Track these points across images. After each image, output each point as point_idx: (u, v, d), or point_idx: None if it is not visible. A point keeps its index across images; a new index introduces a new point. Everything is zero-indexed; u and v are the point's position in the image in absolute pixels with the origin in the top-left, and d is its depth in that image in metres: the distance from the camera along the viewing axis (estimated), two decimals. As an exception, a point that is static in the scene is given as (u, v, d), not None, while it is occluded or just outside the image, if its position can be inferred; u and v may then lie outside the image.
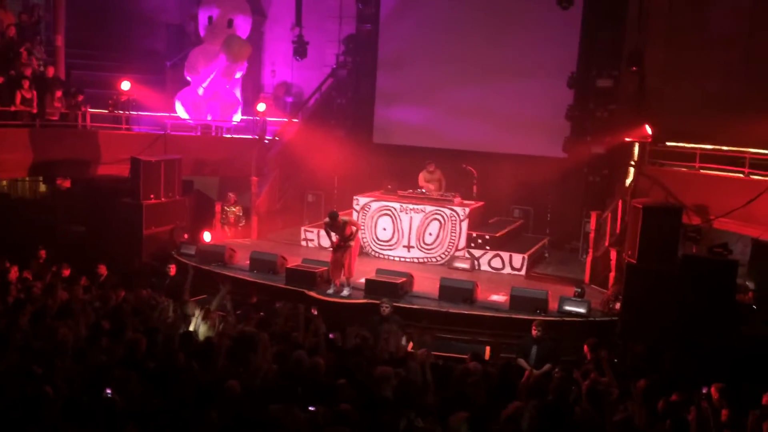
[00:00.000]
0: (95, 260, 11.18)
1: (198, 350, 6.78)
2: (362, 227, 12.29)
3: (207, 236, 13.21)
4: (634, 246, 9.73)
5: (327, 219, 10.97)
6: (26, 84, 13.59)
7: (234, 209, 14.18)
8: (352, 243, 10.85)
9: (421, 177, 13.94)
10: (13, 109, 13.41)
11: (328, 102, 17.11)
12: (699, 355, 8.68)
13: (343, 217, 11.08)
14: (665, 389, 7.04)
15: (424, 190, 13.70)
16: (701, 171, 11.98)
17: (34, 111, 13.70)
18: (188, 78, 17.07)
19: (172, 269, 11.20)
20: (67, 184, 15.07)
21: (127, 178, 13.58)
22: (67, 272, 10.49)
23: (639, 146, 12.85)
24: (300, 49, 15.80)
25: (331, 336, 7.98)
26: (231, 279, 11.40)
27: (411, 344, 8.64)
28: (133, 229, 12.76)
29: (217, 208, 14.21)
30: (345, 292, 10.77)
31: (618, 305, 10.00)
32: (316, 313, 9.44)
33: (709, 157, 11.91)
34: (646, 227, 9.49)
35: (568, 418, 5.68)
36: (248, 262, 11.97)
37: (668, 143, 12.85)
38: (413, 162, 14.71)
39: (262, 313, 8.99)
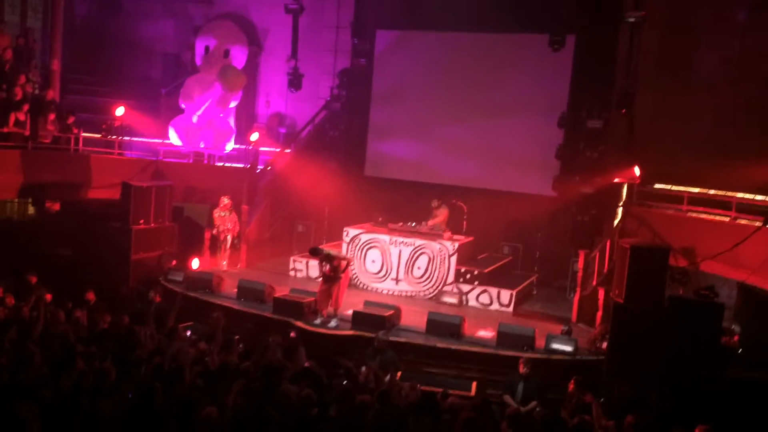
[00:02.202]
0: (82, 284, 11.08)
1: (169, 378, 6.66)
2: (353, 260, 12.22)
3: (195, 263, 13.15)
4: (621, 285, 9.78)
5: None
6: (25, 107, 13.64)
7: (227, 214, 13.79)
8: (342, 275, 10.84)
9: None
10: (5, 131, 13.41)
11: (321, 134, 17.24)
12: (684, 397, 8.66)
13: (330, 250, 11.08)
14: (651, 429, 7.02)
15: (413, 224, 13.73)
16: (689, 213, 12.09)
17: (27, 133, 13.70)
18: (183, 106, 17.17)
19: (157, 297, 11.07)
20: (56, 207, 15.02)
21: (117, 202, 13.54)
22: (48, 297, 10.33)
23: (627, 187, 12.98)
24: (295, 81, 15.96)
25: (306, 364, 7.94)
26: (218, 307, 11.35)
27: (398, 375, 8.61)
28: (121, 254, 12.68)
29: (206, 235, 14.16)
30: (332, 323, 10.72)
31: (605, 344, 10.00)
32: (294, 335, 9.43)
33: (696, 200, 12.04)
34: (634, 267, 9.56)
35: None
36: (236, 290, 11.90)
37: (656, 185, 12.99)
38: (404, 195, 14.80)
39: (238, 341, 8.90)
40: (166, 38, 19.37)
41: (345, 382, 7.35)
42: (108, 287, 11.67)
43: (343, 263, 10.90)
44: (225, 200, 13.85)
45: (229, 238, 13.84)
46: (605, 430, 6.79)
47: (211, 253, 14.00)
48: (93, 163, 14.68)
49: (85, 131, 14.97)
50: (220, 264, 13.66)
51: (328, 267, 10.81)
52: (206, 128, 17.01)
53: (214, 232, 13.88)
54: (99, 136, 15.30)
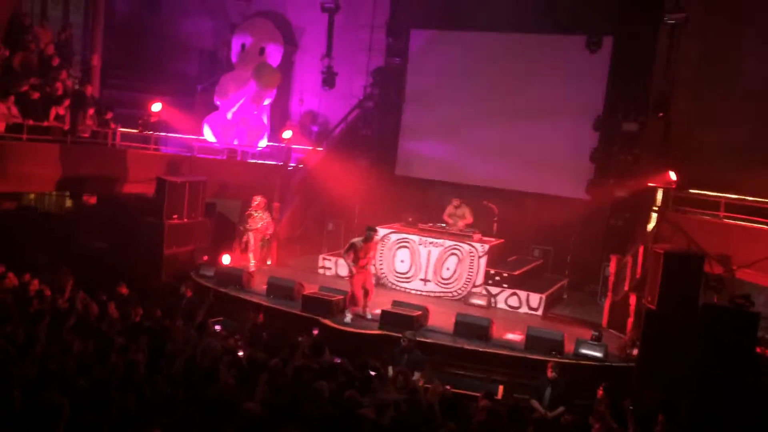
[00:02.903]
0: (115, 277, 11.28)
1: (203, 373, 6.75)
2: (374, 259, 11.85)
3: (226, 259, 13.29)
4: (653, 292, 9.62)
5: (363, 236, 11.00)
6: (66, 102, 13.93)
7: (260, 214, 13.58)
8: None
9: (447, 211, 13.93)
10: (45, 124, 13.72)
11: (353, 132, 17.28)
12: (717, 407, 8.50)
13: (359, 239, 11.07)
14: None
15: (444, 225, 13.69)
16: (725, 220, 11.85)
17: (66, 128, 14.00)
18: (217, 102, 17.37)
19: (188, 292, 11.21)
20: (92, 200, 15.30)
21: (151, 197, 13.76)
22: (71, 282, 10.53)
23: (663, 192, 12.77)
24: (329, 80, 16.04)
25: (337, 360, 7.97)
26: (247, 303, 11.47)
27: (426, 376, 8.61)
28: (154, 248, 12.88)
29: (238, 231, 14.28)
30: (347, 319, 10.79)
31: (635, 351, 9.86)
32: (316, 333, 9.47)
33: (733, 207, 11.80)
34: (667, 274, 9.39)
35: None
36: (265, 286, 12.01)
37: (692, 191, 12.75)
38: (435, 195, 14.76)
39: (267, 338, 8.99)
40: (203, 35, 19.61)
41: (374, 382, 7.37)
42: (141, 281, 11.88)
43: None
44: (258, 199, 13.67)
45: (251, 237, 13.58)
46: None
47: (241, 250, 14.10)
48: (129, 158, 14.93)
49: (122, 126, 15.24)
50: (247, 263, 13.46)
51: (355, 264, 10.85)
52: (240, 125, 17.19)
53: (242, 229, 13.83)
54: (136, 131, 15.57)
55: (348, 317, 10.85)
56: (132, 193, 14.72)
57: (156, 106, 15.45)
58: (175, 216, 13.20)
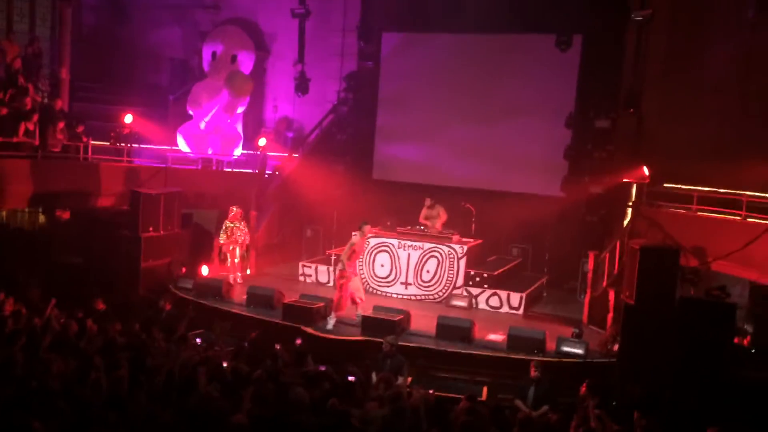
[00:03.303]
0: (92, 292, 11.13)
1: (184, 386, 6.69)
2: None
3: (205, 270, 13.19)
4: (631, 287, 9.74)
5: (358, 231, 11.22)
6: (35, 117, 13.71)
7: (238, 225, 13.36)
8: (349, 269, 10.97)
9: (422, 213, 13.95)
10: (15, 140, 13.50)
11: (329, 137, 17.25)
12: (696, 398, 8.61)
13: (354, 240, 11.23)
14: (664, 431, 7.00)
15: (423, 227, 13.72)
16: (698, 213, 12.02)
17: (36, 143, 13.79)
18: (190, 112, 17.24)
19: (167, 305, 11.09)
20: (66, 215, 15.09)
21: (126, 210, 13.61)
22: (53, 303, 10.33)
23: (636, 187, 12.93)
24: (302, 85, 15.99)
25: (321, 368, 7.95)
26: (227, 314, 11.39)
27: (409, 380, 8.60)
28: (130, 262, 12.73)
29: (215, 242, 14.15)
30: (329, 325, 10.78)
31: (616, 346, 9.96)
32: (299, 342, 9.45)
33: (706, 200, 11.97)
34: (644, 268, 9.51)
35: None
36: (245, 296, 11.93)
37: (666, 185, 12.92)
38: (412, 198, 14.76)
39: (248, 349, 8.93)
40: (174, 44, 19.45)
41: (357, 389, 7.35)
42: (118, 295, 11.73)
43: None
44: (234, 209, 13.45)
45: (237, 250, 13.42)
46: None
47: (221, 261, 13.98)
48: (102, 171, 14.75)
49: (94, 139, 15.04)
50: (233, 276, 13.25)
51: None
52: (214, 134, 17.08)
53: (222, 242, 13.58)
54: (108, 144, 15.39)
55: (330, 323, 10.80)
56: (106, 206, 14.54)
57: (128, 118, 15.29)
58: (151, 228, 13.06)
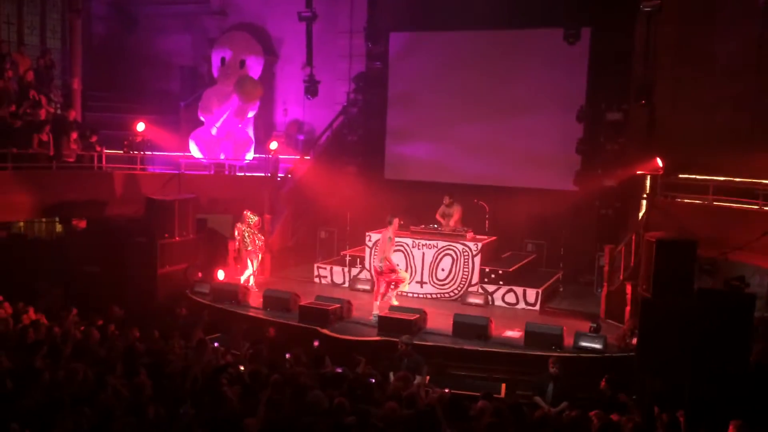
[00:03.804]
0: (109, 300, 11.23)
1: (206, 389, 6.74)
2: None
3: (221, 274, 13.25)
4: (648, 280, 9.67)
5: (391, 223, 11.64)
6: (48, 128, 13.85)
7: (255, 232, 13.11)
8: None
9: (439, 211, 13.91)
10: (30, 152, 13.65)
11: (340, 139, 17.28)
12: (717, 390, 8.53)
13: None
14: (687, 426, 6.94)
15: (436, 225, 13.70)
16: (714, 203, 11.92)
17: (51, 153, 13.93)
18: (202, 118, 17.34)
19: (182, 310, 11.16)
20: (82, 224, 15.24)
21: (141, 217, 13.71)
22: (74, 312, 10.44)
23: (650, 179, 12.84)
24: (311, 88, 16.03)
25: (338, 370, 7.97)
26: (245, 317, 11.45)
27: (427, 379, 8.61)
28: (147, 269, 12.83)
29: (231, 246, 14.18)
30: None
31: (635, 340, 9.88)
32: (317, 344, 9.49)
33: (722, 189, 11.87)
34: (660, 261, 9.44)
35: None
36: (262, 299, 11.98)
37: (680, 175, 12.82)
38: (425, 197, 14.76)
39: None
40: (183, 51, 19.58)
41: (373, 389, 7.37)
42: (136, 302, 11.82)
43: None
44: (252, 217, 13.18)
45: (256, 257, 13.23)
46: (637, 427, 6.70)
47: (235, 260, 13.98)
48: (116, 180, 14.88)
49: (107, 148, 15.18)
50: (247, 283, 13.04)
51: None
52: (225, 139, 17.16)
53: (238, 246, 13.44)
54: (121, 152, 15.51)
55: (375, 313, 11.15)
56: (121, 214, 14.66)
57: (140, 126, 15.41)
58: (167, 235, 13.15)
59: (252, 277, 13.21)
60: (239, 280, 13.02)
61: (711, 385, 8.55)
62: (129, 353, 8.36)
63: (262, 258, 13.74)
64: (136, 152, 15.58)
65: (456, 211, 13.71)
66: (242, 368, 7.97)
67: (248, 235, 13.11)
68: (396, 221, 11.75)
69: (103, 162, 15.02)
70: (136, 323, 10.14)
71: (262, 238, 13.48)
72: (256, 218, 13.26)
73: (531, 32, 15.33)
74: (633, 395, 8.46)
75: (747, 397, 8.17)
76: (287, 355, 8.74)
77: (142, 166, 15.79)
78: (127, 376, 7.11)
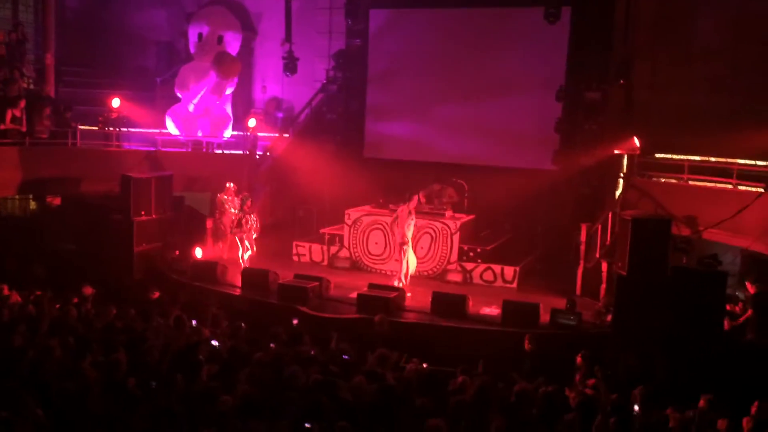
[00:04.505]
0: (85, 278, 11.12)
1: (184, 366, 6.74)
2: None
3: (198, 252, 13.18)
4: (624, 258, 9.79)
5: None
6: (21, 103, 13.58)
7: (244, 212, 12.95)
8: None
9: (427, 193, 13.90)
10: (2, 127, 13.39)
11: (319, 117, 17.17)
12: (689, 366, 8.71)
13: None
14: (659, 399, 7.08)
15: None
16: (690, 182, 12.05)
17: (23, 129, 13.68)
18: (179, 94, 17.10)
19: (155, 294, 10.95)
20: (57, 201, 15.03)
21: (117, 195, 13.55)
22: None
23: (628, 158, 12.92)
24: (290, 65, 15.86)
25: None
26: (223, 295, 11.41)
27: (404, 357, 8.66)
28: (123, 247, 12.72)
29: (208, 224, 14.12)
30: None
31: (609, 317, 10.03)
32: (296, 322, 9.50)
33: (697, 169, 12.00)
34: (636, 239, 9.56)
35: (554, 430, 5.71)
36: (240, 277, 11.94)
37: (657, 155, 12.93)
38: (404, 176, 14.75)
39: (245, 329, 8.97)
40: (159, 27, 19.25)
41: (348, 366, 7.41)
42: (112, 280, 11.73)
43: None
44: (230, 186, 13.37)
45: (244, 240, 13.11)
46: (610, 402, 6.81)
47: (215, 241, 13.92)
48: (92, 157, 14.68)
49: (82, 124, 14.94)
50: (241, 259, 13.00)
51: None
52: (203, 116, 16.96)
53: (217, 217, 13.54)
54: (96, 128, 15.27)
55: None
56: (97, 192, 14.47)
57: (115, 102, 15.19)
58: (143, 212, 13.02)
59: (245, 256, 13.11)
60: (239, 259, 12.90)
61: (683, 360, 8.74)
62: (106, 331, 8.33)
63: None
64: (111, 129, 15.36)
65: (450, 194, 13.81)
66: (216, 344, 7.97)
67: (241, 216, 12.99)
68: (416, 198, 11.91)
69: (78, 138, 14.79)
70: (113, 301, 10.09)
71: (255, 218, 13.19)
72: (249, 199, 13.12)
73: (512, 11, 15.30)
74: (608, 371, 8.59)
75: (719, 372, 8.36)
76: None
77: (117, 143, 15.59)
78: (105, 354, 7.08)
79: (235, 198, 13.62)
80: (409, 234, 11.89)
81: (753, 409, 6.82)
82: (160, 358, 7.21)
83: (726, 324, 9.47)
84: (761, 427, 6.57)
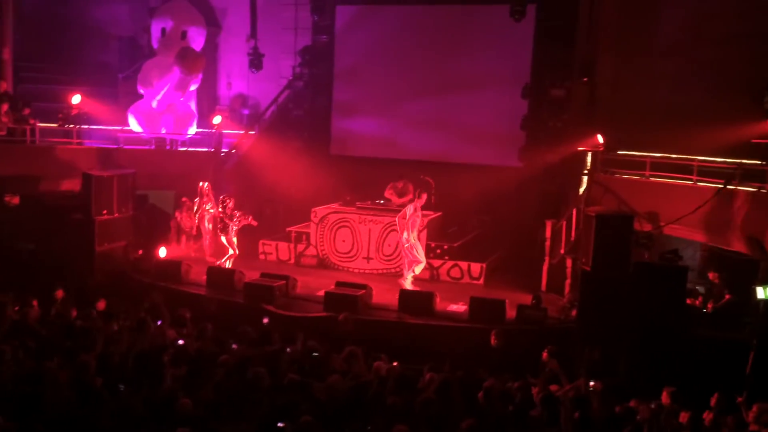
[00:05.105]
0: (46, 278, 10.87)
1: (148, 368, 6.63)
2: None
3: (162, 252, 12.98)
4: (588, 253, 9.92)
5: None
6: (-24, 101, 13.22)
7: (227, 214, 12.64)
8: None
9: (391, 191, 13.87)
10: (-42, 124, 13.02)
11: (285, 114, 17.06)
12: (653, 359, 8.87)
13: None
14: (622, 393, 7.19)
15: (382, 201, 13.70)
16: (651, 179, 12.25)
17: (-20, 126, 13.32)
18: (141, 91, 16.80)
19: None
20: (15, 200, 14.62)
21: (78, 193, 13.27)
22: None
23: (591, 155, 13.06)
24: (255, 61, 15.72)
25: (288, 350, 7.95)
26: (188, 295, 11.26)
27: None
28: (84, 246, 12.45)
29: (172, 223, 13.92)
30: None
31: (574, 312, 10.16)
32: (266, 322, 9.43)
33: (658, 166, 12.20)
34: (600, 235, 9.70)
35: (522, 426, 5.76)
36: (205, 277, 11.79)
37: (619, 152, 13.12)
38: (371, 173, 14.74)
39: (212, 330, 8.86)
40: (121, 21, 18.86)
41: (317, 364, 7.38)
42: (73, 281, 11.46)
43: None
44: (228, 201, 12.77)
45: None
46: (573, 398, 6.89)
47: (183, 239, 13.72)
48: (51, 155, 14.36)
49: (41, 121, 14.60)
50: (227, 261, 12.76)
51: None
52: (167, 113, 16.69)
53: (197, 216, 13.34)
54: (56, 126, 14.94)
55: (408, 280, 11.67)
56: (57, 190, 14.15)
57: (76, 99, 14.87)
58: (105, 211, 12.76)
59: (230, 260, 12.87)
60: (224, 262, 12.65)
61: (646, 354, 8.89)
62: (68, 332, 8.16)
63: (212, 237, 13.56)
64: (71, 126, 15.03)
65: (409, 191, 13.77)
66: (182, 342, 7.86)
67: (225, 218, 12.67)
68: (425, 195, 11.91)
69: (37, 136, 14.46)
70: (75, 302, 9.88)
71: (238, 219, 12.76)
72: (231, 202, 12.74)
73: (478, 8, 15.39)
74: (573, 366, 8.70)
75: (681, 364, 8.53)
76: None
77: (78, 141, 15.26)
78: (67, 356, 6.93)
79: (208, 199, 13.33)
80: (414, 233, 11.82)
81: (712, 401, 6.97)
82: (122, 360, 7.08)
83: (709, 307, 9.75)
84: (721, 418, 6.72)
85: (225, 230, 12.76)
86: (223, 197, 12.85)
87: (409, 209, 11.77)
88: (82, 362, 6.51)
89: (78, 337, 7.82)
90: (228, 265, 12.57)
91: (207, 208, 13.40)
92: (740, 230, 10.15)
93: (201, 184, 13.47)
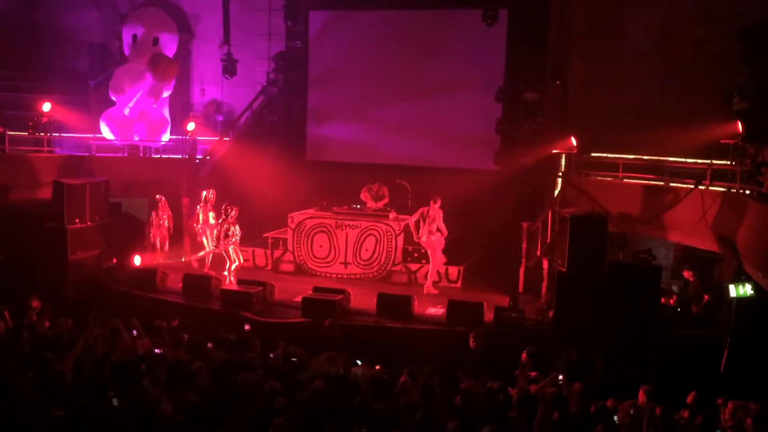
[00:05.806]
0: (18, 289, 10.68)
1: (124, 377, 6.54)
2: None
3: (137, 260, 12.83)
4: (563, 255, 10.01)
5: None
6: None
7: (229, 224, 12.31)
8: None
9: (366, 195, 13.85)
10: (-76, 133, 12.76)
11: (260, 120, 16.97)
12: (628, 359, 8.97)
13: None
14: (599, 393, 7.25)
15: (359, 206, 13.70)
16: (624, 180, 12.41)
17: (-52, 135, 13.07)
18: (113, 98, 16.62)
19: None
20: (-15, 210, 14.36)
21: (50, 202, 13.06)
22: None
23: (565, 157, 13.22)
24: (229, 67, 15.62)
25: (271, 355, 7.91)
26: (163, 303, 11.14)
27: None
28: (57, 256, 12.26)
29: (147, 230, 13.77)
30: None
31: (551, 313, 10.23)
32: (248, 328, 9.36)
33: (631, 167, 12.36)
34: (574, 236, 9.79)
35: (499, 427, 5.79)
36: (181, 284, 11.68)
37: (593, 154, 13.27)
38: (347, 178, 14.73)
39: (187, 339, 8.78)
40: (91, 28, 18.66)
41: (297, 369, 7.35)
42: (46, 290, 11.28)
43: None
44: (230, 211, 12.41)
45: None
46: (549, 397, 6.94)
47: (153, 248, 13.57)
48: (21, 163, 14.15)
49: (10, 130, 14.37)
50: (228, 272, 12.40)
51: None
52: (139, 120, 16.53)
53: (200, 224, 13.11)
54: (26, 134, 14.72)
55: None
56: (28, 199, 13.91)
57: (46, 106, 14.68)
58: (78, 220, 12.58)
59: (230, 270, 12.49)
60: (227, 273, 12.29)
61: (622, 353, 8.99)
62: (40, 342, 8.02)
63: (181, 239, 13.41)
64: (42, 134, 14.81)
65: (386, 194, 13.79)
66: (158, 351, 7.77)
67: (226, 227, 12.33)
68: (440, 200, 12.04)
69: (6, 144, 14.22)
70: (47, 312, 9.72)
71: (237, 232, 12.42)
72: (234, 212, 12.40)
73: (450, 13, 15.47)
74: (550, 366, 8.76)
75: (656, 363, 8.63)
76: (209, 345, 8.56)
77: (49, 149, 15.05)
78: (40, 368, 6.80)
79: (206, 208, 13.16)
80: (424, 237, 11.98)
81: (689, 399, 7.06)
82: (96, 369, 6.97)
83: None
84: (696, 416, 6.81)
85: (227, 240, 12.40)
86: (226, 206, 12.51)
87: (423, 213, 12.04)
88: (57, 373, 6.40)
89: (51, 347, 7.69)
90: (232, 278, 12.17)
91: (210, 216, 13.10)
92: (712, 229, 10.32)
93: (205, 192, 13.20)
